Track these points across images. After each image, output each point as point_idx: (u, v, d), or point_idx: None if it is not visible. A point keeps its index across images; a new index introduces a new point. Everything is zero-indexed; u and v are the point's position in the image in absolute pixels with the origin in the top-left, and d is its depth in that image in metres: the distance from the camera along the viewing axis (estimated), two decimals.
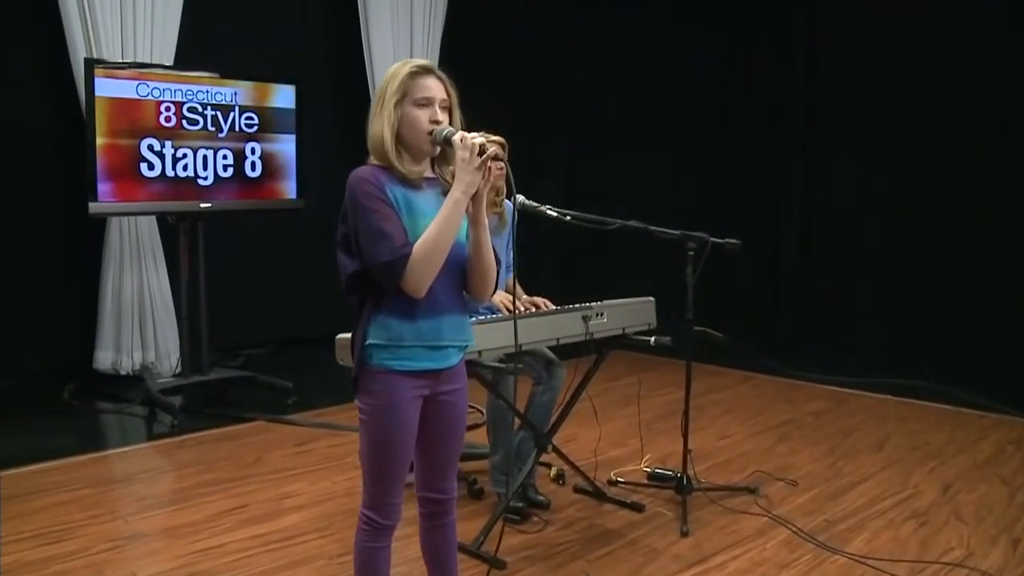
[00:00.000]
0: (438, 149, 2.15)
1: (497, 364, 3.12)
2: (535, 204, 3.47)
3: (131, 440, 4.48)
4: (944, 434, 4.66)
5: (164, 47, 5.39)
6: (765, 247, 6.81)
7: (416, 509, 2.34)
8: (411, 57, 6.92)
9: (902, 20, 5.93)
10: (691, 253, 3.50)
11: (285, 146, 5.17)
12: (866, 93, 6.18)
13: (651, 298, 3.61)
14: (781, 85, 6.68)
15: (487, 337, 3.01)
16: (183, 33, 5.48)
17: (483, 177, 2.06)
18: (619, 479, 3.90)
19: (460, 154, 2.03)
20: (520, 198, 3.49)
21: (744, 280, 6.91)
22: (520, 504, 3.45)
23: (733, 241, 3.57)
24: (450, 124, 2.17)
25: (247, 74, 5.04)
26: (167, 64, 5.15)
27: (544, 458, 3.71)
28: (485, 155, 2.02)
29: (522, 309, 3.30)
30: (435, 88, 2.15)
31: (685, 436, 3.62)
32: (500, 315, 3.23)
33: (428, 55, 6.98)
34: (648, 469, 3.97)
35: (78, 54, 4.97)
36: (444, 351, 2.17)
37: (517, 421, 3.51)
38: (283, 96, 5.14)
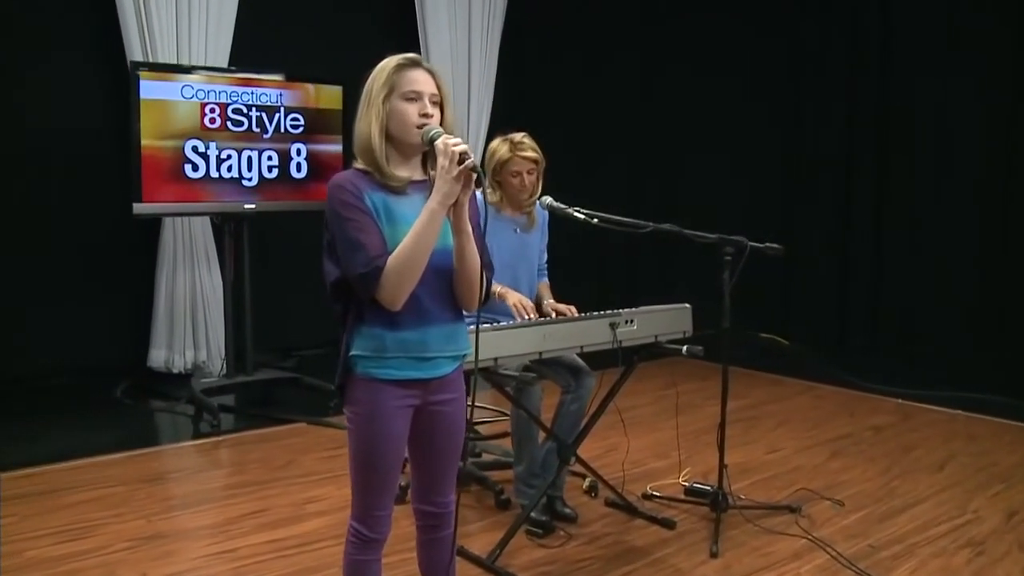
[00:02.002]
0: (428, 146, 2.05)
1: (513, 373, 3.00)
2: (562, 206, 3.33)
3: (172, 439, 4.54)
4: (1016, 455, 4.31)
5: (218, 50, 5.46)
6: (835, 252, 6.53)
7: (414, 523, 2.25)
8: (469, 60, 6.88)
9: (978, 18, 5.58)
10: (728, 258, 3.31)
11: (332, 147, 5.16)
12: (941, 94, 5.84)
13: (687, 305, 3.44)
14: (853, 86, 6.37)
15: (504, 344, 2.91)
16: (238, 36, 5.55)
17: (464, 187, 1.95)
18: (655, 493, 3.73)
19: (440, 161, 1.93)
20: (548, 199, 3.37)
21: (814, 287, 6.63)
22: (544, 517, 3.32)
23: (774, 246, 3.36)
24: (442, 120, 2.08)
25: (292, 75, 5.05)
26: (221, 67, 5.20)
27: (580, 469, 3.59)
28: (463, 165, 1.91)
29: (533, 317, 3.15)
30: (424, 81, 2.05)
31: (721, 450, 3.42)
32: (516, 322, 3.11)
33: (486, 58, 6.91)
34: (686, 483, 3.78)
35: (135, 57, 5.07)
36: (432, 361, 2.07)
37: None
38: (330, 97, 5.13)
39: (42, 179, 5.22)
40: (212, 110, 4.67)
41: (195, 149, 4.63)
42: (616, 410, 3.47)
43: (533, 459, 3.36)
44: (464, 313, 2.17)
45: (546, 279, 3.63)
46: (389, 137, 2.05)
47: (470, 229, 2.02)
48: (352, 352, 2.04)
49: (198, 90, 4.64)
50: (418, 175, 2.09)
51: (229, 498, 3.63)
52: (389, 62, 2.07)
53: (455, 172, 1.91)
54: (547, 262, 3.65)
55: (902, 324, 6.12)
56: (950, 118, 5.81)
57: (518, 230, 3.45)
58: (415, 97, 2.03)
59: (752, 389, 5.56)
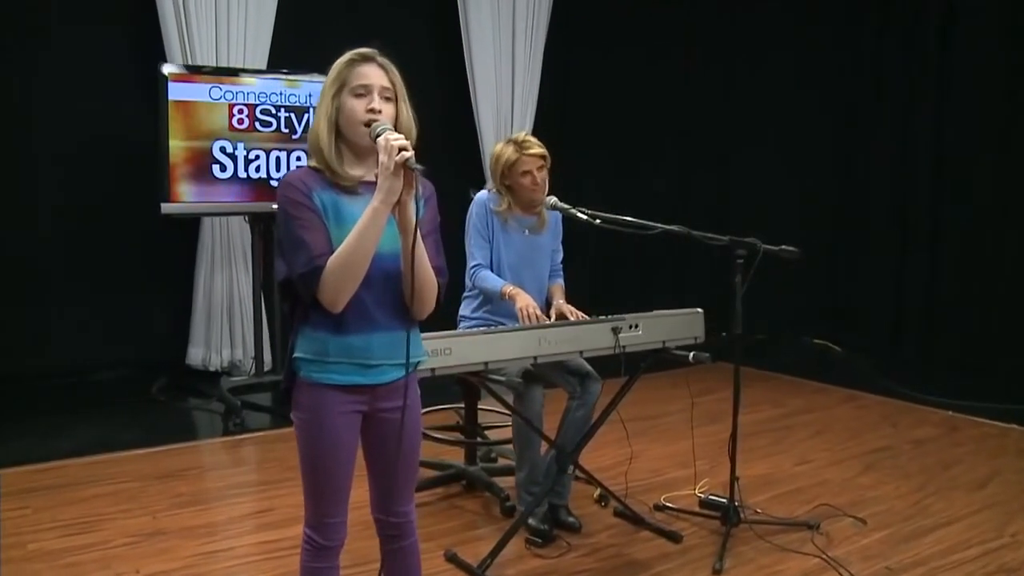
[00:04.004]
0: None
1: (500, 378, 2.92)
2: (566, 206, 3.24)
3: (196, 437, 4.60)
4: None
5: (257, 51, 5.53)
6: (891, 254, 6.23)
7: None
8: (513, 56, 6.81)
9: None
10: (740, 261, 3.17)
11: None
12: (1007, 93, 5.51)
13: (699, 309, 3.31)
14: (910, 82, 6.07)
15: (496, 348, 2.84)
16: (279, 37, 5.59)
17: (406, 184, 1.88)
18: (667, 504, 3.60)
19: (380, 157, 1.87)
20: (552, 199, 3.28)
21: (867, 291, 6.35)
22: (544, 526, 3.23)
23: (790, 248, 3.19)
24: (396, 116, 2.02)
25: (322, 75, 5.05)
26: (248, 68, 5.25)
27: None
28: (398, 158, 1.84)
29: (540, 319, 3.08)
30: (375, 76, 2.00)
31: (732, 461, 3.29)
32: (515, 325, 3.04)
33: (531, 55, 6.83)
34: (701, 495, 3.64)
35: (175, 59, 5.17)
36: (377, 368, 2.01)
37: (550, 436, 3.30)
38: None
39: (89, 178, 5.35)
40: (240, 111, 4.72)
41: (223, 150, 4.68)
42: (620, 419, 3.33)
43: (534, 465, 3.27)
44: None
45: (560, 280, 3.55)
46: (340, 135, 2.00)
47: (416, 227, 1.95)
48: (295, 354, 2.00)
49: (226, 91, 4.69)
50: (372, 175, 2.03)
51: (237, 496, 3.65)
52: (342, 58, 2.02)
53: (392, 167, 1.85)
54: (561, 262, 3.57)
55: (958, 332, 5.81)
56: (1011, 118, 5.48)
57: (527, 232, 3.38)
58: (363, 92, 1.97)
59: (792, 397, 5.35)
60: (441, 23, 6.55)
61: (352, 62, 2.00)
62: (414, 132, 2.07)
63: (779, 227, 6.35)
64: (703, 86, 7.27)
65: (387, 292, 1.99)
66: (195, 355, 5.60)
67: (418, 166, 1.89)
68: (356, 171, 2.01)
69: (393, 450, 2.09)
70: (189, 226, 5.49)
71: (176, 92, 4.56)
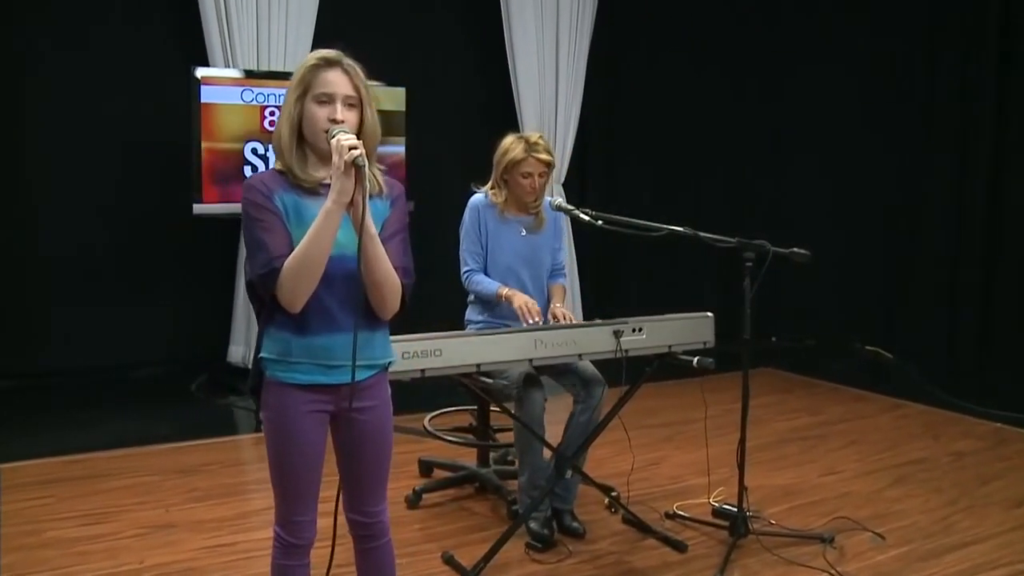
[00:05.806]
0: None
1: (488, 380, 2.90)
2: (570, 207, 3.20)
3: (226, 433, 4.67)
4: None
5: (298, 53, 5.58)
6: (946, 260, 5.97)
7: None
8: (557, 62, 6.74)
9: None
10: (749, 264, 3.08)
11: (393, 149, 5.19)
12: None
13: (708, 313, 3.23)
14: (966, 80, 5.80)
15: (489, 350, 2.82)
16: (320, 39, 5.65)
17: (358, 183, 1.87)
18: (679, 512, 3.52)
19: (333, 158, 1.87)
20: (558, 200, 3.26)
21: (922, 297, 6.10)
22: (544, 531, 3.19)
23: (801, 251, 3.09)
24: (360, 123, 2.01)
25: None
26: (279, 70, 5.33)
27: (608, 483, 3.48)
28: (347, 157, 1.83)
29: (539, 321, 3.05)
30: (339, 83, 1.98)
31: (741, 469, 3.18)
32: (516, 326, 3.02)
33: (575, 61, 6.74)
34: (715, 504, 3.54)
35: (216, 62, 5.27)
36: (341, 369, 2.01)
37: (554, 441, 3.26)
38: (392, 99, 5.17)
39: (134, 177, 5.48)
40: (272, 112, 4.80)
41: (255, 151, 4.77)
42: (622, 424, 3.25)
43: (535, 469, 3.22)
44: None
45: (560, 281, 3.51)
46: (304, 140, 2.01)
47: (374, 231, 1.94)
48: (260, 354, 2.02)
49: (258, 94, 4.78)
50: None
51: (250, 492, 3.71)
52: (307, 60, 2.02)
53: (343, 167, 1.84)
54: (562, 262, 3.53)
55: (1015, 341, 5.52)
56: None
57: (524, 231, 3.35)
58: (326, 100, 1.97)
59: (831, 405, 5.18)
60: (483, 26, 6.53)
61: (316, 67, 1.99)
62: (379, 135, 2.06)
63: (831, 233, 6.19)
64: (751, 92, 7.09)
65: (350, 293, 1.98)
66: (235, 353, 5.72)
67: (380, 166, 1.89)
68: (319, 173, 2.01)
69: (363, 450, 2.11)
70: (231, 226, 5.60)
71: (208, 95, 4.67)
